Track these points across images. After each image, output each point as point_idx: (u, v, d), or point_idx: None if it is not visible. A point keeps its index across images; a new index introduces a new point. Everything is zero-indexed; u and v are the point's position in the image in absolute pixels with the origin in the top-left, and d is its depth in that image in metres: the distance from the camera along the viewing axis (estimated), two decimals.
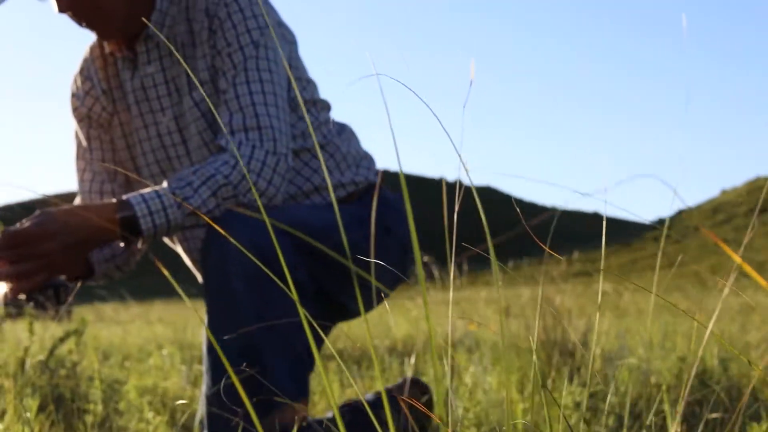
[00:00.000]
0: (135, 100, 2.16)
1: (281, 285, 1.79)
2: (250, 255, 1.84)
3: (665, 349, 3.94)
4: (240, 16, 2.00)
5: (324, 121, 2.20)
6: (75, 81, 2.28)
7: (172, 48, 2.10)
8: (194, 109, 2.07)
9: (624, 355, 3.54)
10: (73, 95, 2.28)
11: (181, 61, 2.06)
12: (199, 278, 2.35)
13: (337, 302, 2.09)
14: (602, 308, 12.98)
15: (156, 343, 6.11)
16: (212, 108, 2.07)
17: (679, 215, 75.00)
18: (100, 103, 2.24)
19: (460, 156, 0.93)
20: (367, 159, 2.30)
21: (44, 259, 1.79)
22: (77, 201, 2.26)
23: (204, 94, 2.06)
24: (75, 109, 2.28)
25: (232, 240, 1.86)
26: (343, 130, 2.30)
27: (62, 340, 3.63)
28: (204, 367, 1.94)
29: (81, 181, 2.28)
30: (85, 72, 2.26)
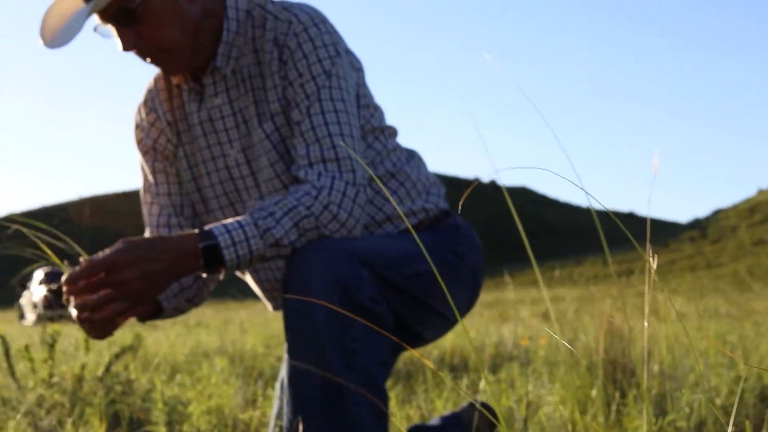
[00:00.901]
0: (202, 132, 2.15)
1: (363, 319, 1.78)
2: (331, 288, 1.83)
3: (723, 366, 3.86)
4: (310, 45, 1.99)
5: (392, 149, 2.19)
6: (139, 112, 2.26)
7: (240, 79, 2.08)
8: (265, 141, 2.06)
9: (684, 373, 3.44)
10: (138, 126, 2.26)
11: (250, 92, 2.06)
12: (269, 307, 2.35)
13: (412, 331, 2.07)
14: (643, 312, 12.89)
15: (203, 352, 6.12)
16: (285, 140, 2.05)
17: (716, 215, 74.52)
18: (165, 135, 2.22)
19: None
20: (436, 185, 2.28)
21: (124, 288, 1.78)
22: (146, 234, 2.25)
23: (276, 125, 2.04)
24: (139, 141, 2.25)
25: (314, 272, 1.84)
26: (412, 156, 2.28)
27: (117, 356, 3.65)
28: (284, 399, 1.91)
29: (149, 215, 2.26)
30: (149, 103, 2.24)
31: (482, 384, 3.96)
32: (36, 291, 24.39)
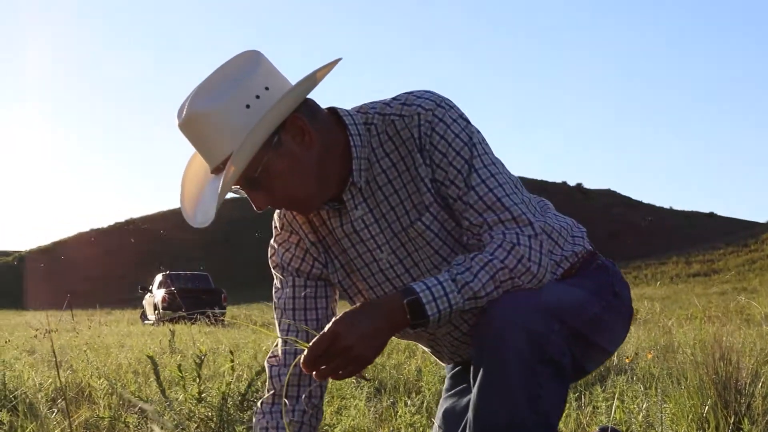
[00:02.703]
0: (351, 243, 2.17)
1: (550, 369, 1.87)
2: (525, 339, 1.87)
3: None
4: (443, 125, 2.01)
5: (527, 201, 2.15)
6: (279, 236, 2.31)
7: (375, 187, 2.11)
8: (426, 232, 2.07)
9: None
10: (282, 248, 2.30)
11: (391, 195, 2.08)
12: (440, 363, 2.46)
13: (582, 368, 2.13)
14: (729, 314, 12.67)
15: None
16: (444, 224, 2.06)
17: None
18: (311, 254, 2.25)
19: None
20: (576, 227, 2.29)
21: (350, 352, 1.85)
22: (279, 348, 2.32)
23: (433, 215, 2.06)
24: (287, 264, 2.28)
25: (509, 324, 1.89)
26: (546, 205, 2.30)
27: (258, 374, 3.76)
28: None
29: (281, 330, 2.31)
30: (287, 227, 2.28)
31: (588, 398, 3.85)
32: (156, 294, 24.93)
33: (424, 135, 2.02)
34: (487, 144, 2.07)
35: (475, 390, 1.92)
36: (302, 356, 1.88)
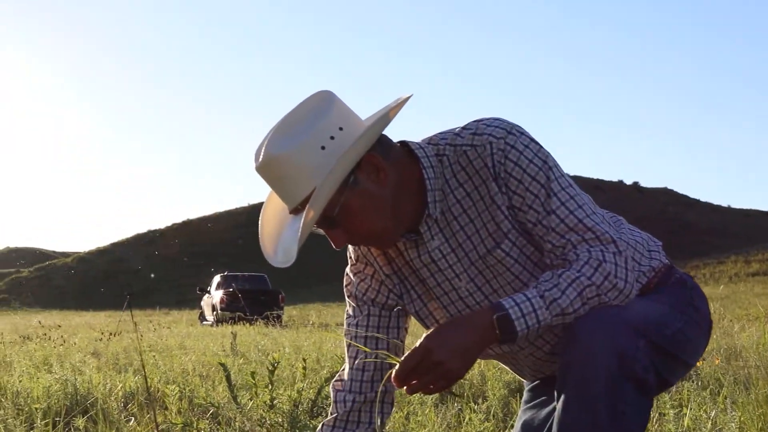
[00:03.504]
0: (429, 273, 2.20)
1: (634, 386, 1.88)
2: (612, 356, 1.87)
3: None
4: (516, 152, 2.03)
5: (606, 219, 2.14)
6: (354, 266, 2.35)
7: (450, 217, 2.13)
8: (506, 258, 2.10)
9: None
10: (357, 278, 2.34)
11: (467, 225, 2.11)
12: (525, 380, 2.49)
13: (665, 381, 2.12)
14: None
15: None
16: (523, 249, 2.09)
17: None
18: (386, 285, 2.29)
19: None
20: (652, 241, 2.31)
21: (441, 367, 1.87)
22: (345, 372, 2.37)
23: (512, 241, 2.08)
24: (363, 294, 2.33)
25: (596, 341, 1.90)
26: (619, 221, 2.32)
27: (327, 381, 3.81)
28: None
29: (349, 357, 2.36)
30: (362, 258, 2.32)
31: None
32: (214, 294, 25.14)
33: (498, 163, 2.04)
34: (559, 166, 2.09)
35: (559, 405, 1.94)
36: (393, 371, 1.91)
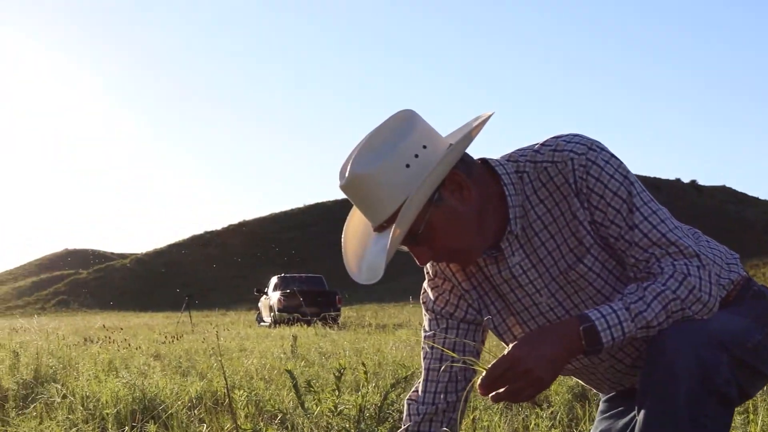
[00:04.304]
0: (509, 288, 2.22)
1: (716, 399, 1.89)
2: (694, 369, 1.89)
3: None
4: (597, 168, 2.04)
5: (687, 233, 2.15)
6: (431, 281, 2.38)
7: (531, 233, 2.15)
8: (589, 273, 2.11)
9: None
10: (434, 292, 2.37)
11: (548, 241, 2.12)
12: (600, 393, 2.49)
13: (746, 394, 2.10)
14: None
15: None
16: (605, 264, 2.11)
17: None
18: (465, 300, 2.32)
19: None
20: (730, 253, 2.31)
21: (529, 375, 1.89)
22: (420, 386, 2.39)
23: (595, 256, 2.10)
24: (441, 309, 2.36)
25: (680, 354, 1.91)
26: (697, 233, 2.32)
27: (393, 386, 3.81)
28: None
29: (425, 369, 2.38)
30: (440, 273, 2.35)
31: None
32: (272, 296, 25.28)
33: (580, 179, 2.06)
34: (639, 182, 2.10)
35: (640, 417, 1.94)
36: (479, 378, 1.92)
